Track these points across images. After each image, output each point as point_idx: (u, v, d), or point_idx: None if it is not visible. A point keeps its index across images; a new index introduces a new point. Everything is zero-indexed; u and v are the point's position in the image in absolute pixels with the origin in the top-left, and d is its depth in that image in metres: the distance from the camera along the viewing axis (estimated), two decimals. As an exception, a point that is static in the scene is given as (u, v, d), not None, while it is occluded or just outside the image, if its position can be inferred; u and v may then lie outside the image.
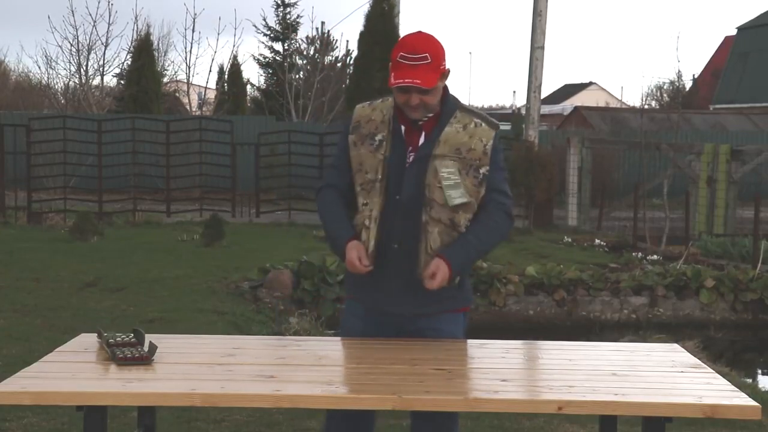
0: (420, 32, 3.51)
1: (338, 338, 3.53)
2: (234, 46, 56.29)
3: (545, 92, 42.69)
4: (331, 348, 3.44)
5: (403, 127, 3.50)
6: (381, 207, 3.46)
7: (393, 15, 19.73)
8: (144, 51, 25.36)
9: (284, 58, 31.13)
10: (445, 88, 3.51)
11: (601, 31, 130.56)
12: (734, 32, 40.50)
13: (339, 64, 30.32)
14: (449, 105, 3.51)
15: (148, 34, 26.62)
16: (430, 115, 3.49)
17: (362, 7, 25.93)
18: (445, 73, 3.46)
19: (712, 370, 3.29)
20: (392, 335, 3.54)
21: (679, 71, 48.36)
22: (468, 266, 3.56)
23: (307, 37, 31.55)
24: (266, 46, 32.41)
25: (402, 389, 2.94)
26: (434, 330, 3.54)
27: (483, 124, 3.50)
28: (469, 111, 3.55)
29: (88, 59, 27.93)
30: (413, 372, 3.13)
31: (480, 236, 3.48)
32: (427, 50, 3.39)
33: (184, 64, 32.78)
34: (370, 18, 19.55)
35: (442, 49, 3.45)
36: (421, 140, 3.49)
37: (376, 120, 3.52)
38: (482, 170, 3.45)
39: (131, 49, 27.33)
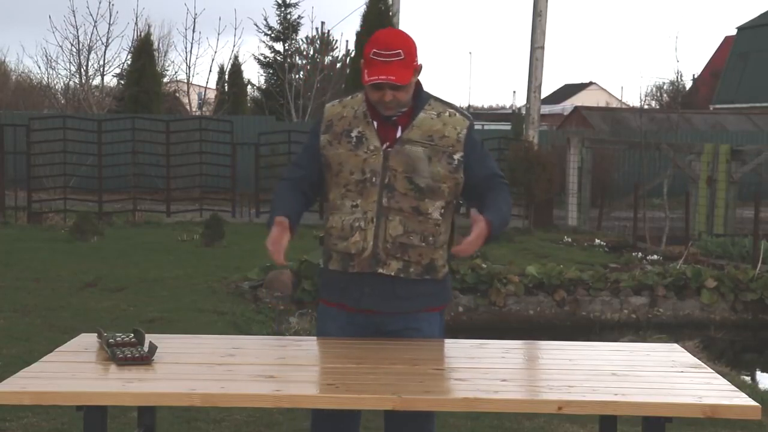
0: (391, 29, 3.55)
1: (338, 338, 3.53)
2: (234, 46, 56.40)
3: (545, 92, 42.68)
4: (330, 348, 3.44)
5: (375, 123, 3.47)
6: (377, 207, 3.43)
7: (390, 15, 19.70)
8: (144, 51, 25.38)
9: (285, 58, 31.13)
10: (418, 82, 3.50)
11: (601, 31, 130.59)
12: (734, 32, 40.51)
13: (339, 64, 30.32)
14: (422, 97, 3.51)
15: (148, 35, 26.64)
16: (404, 110, 3.46)
17: (361, 7, 25.93)
18: (418, 69, 3.44)
19: (712, 370, 3.29)
20: (371, 336, 3.52)
21: (678, 71, 48.42)
22: (500, 230, 3.49)
23: (307, 37, 31.59)
24: (267, 45, 32.44)
25: (402, 389, 2.94)
26: (414, 330, 3.51)
27: (457, 114, 3.51)
28: (444, 102, 3.55)
29: (88, 59, 27.99)
30: (413, 372, 3.12)
31: (504, 207, 3.50)
32: (400, 47, 3.37)
33: (185, 64, 32.81)
34: (367, 18, 19.53)
35: (415, 45, 3.44)
36: (398, 134, 3.46)
37: (348, 116, 3.49)
38: (456, 156, 3.45)
39: (131, 49, 27.37)
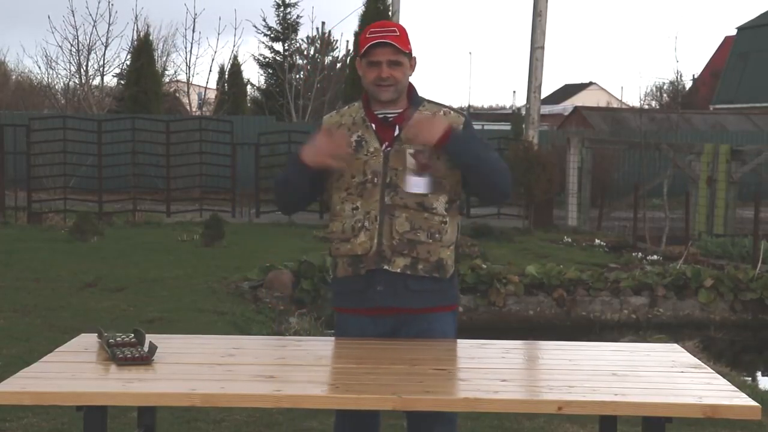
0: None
1: (337, 339, 3.53)
2: (234, 46, 56.35)
3: (545, 92, 42.68)
4: (331, 348, 3.44)
5: (374, 125, 3.48)
6: (380, 206, 3.42)
7: (389, 15, 19.68)
8: (144, 52, 25.38)
9: (284, 58, 31.12)
10: (411, 85, 3.53)
11: (601, 31, 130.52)
12: (734, 32, 40.51)
13: (339, 64, 30.34)
14: (417, 98, 3.54)
15: (147, 35, 26.65)
16: (399, 110, 3.48)
17: (360, 8, 25.82)
18: (413, 61, 3.50)
19: (712, 370, 3.29)
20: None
21: (678, 71, 48.43)
22: (467, 148, 3.41)
23: (307, 37, 31.58)
24: (266, 46, 32.44)
25: (402, 389, 2.94)
26: (427, 332, 3.50)
27: (452, 112, 3.54)
28: (437, 103, 3.59)
29: (88, 59, 27.99)
30: (413, 372, 3.12)
31: (493, 153, 3.52)
32: (395, 26, 3.48)
33: (185, 64, 32.78)
34: (365, 18, 19.50)
35: (408, 35, 3.49)
36: (396, 133, 3.47)
37: (347, 123, 3.51)
38: None
39: (131, 49, 27.37)
